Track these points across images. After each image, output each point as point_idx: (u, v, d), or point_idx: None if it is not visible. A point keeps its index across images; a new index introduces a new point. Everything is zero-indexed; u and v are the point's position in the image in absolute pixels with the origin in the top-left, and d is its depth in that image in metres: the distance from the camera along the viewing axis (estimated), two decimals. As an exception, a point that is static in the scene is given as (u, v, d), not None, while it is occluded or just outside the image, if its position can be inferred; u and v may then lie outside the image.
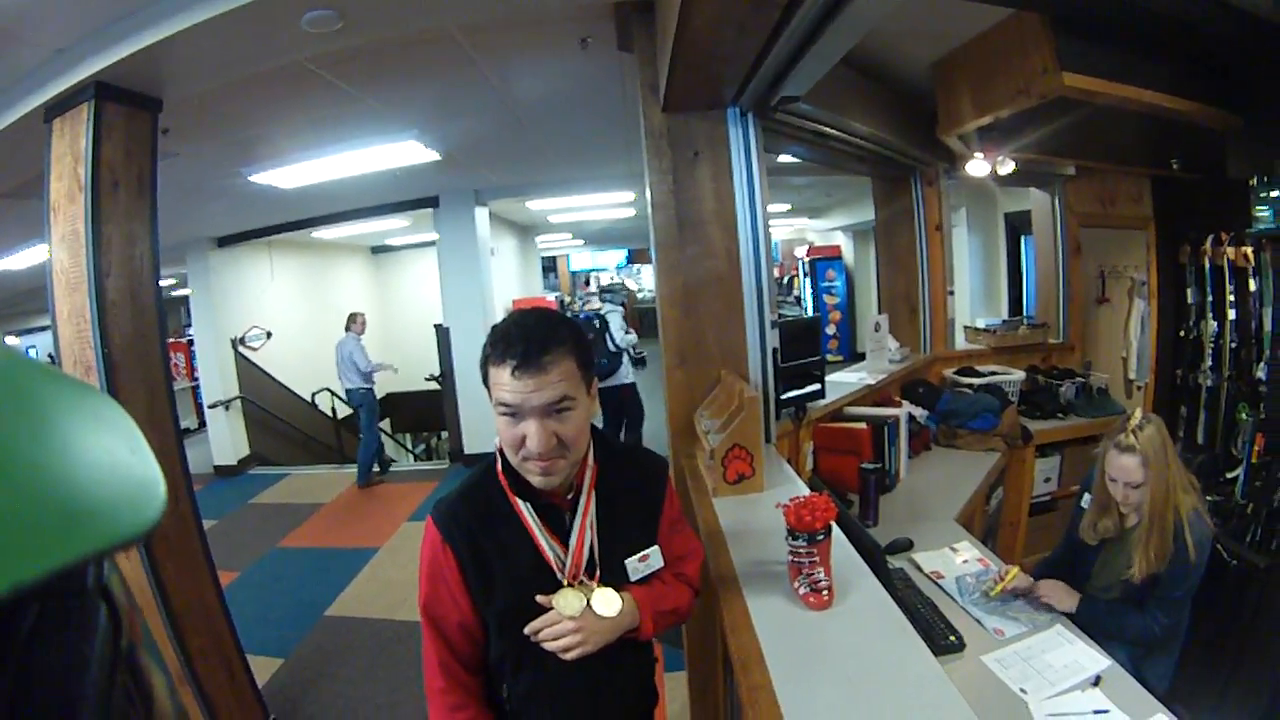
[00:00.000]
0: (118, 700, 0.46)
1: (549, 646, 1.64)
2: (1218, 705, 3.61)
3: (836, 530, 1.91)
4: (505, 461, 1.68)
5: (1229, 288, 5.05)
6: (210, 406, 10.33)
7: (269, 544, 7.46)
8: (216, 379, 10.32)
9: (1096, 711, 2.34)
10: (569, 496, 1.74)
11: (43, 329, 14.82)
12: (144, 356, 3.45)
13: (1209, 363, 5.27)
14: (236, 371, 10.56)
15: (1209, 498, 4.58)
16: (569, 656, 1.64)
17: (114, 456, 0.45)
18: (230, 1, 2.83)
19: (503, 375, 1.52)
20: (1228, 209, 4.81)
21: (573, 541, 1.72)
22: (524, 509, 1.70)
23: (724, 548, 2.25)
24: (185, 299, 11.77)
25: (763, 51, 2.41)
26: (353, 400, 9.67)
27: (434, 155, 6.15)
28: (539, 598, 1.66)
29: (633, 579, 1.78)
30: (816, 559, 1.81)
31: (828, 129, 4.05)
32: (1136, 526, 2.92)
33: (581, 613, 1.66)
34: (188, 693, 3.53)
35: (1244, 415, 4.86)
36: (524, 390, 1.51)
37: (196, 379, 11.38)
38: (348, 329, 9.54)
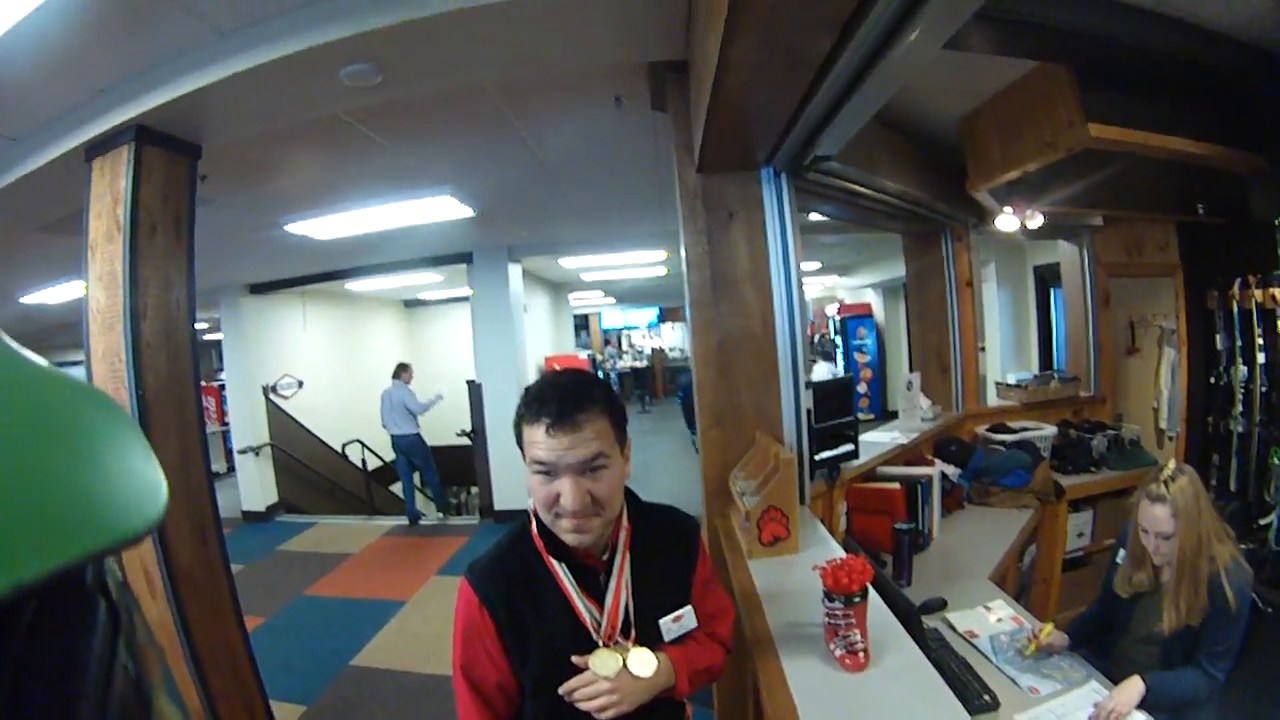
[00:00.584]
0: (116, 698, 0.46)
1: (585, 707, 1.64)
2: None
3: (872, 592, 1.90)
4: (540, 522, 1.69)
5: (1258, 331, 5.01)
6: (240, 452, 10.40)
7: (296, 591, 7.47)
8: (247, 425, 10.40)
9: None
10: (604, 557, 1.74)
11: (75, 363, 14.96)
12: (178, 399, 3.47)
13: (1240, 408, 5.22)
14: (267, 418, 10.64)
15: (1242, 545, 4.52)
16: (605, 717, 1.63)
17: (116, 457, 0.46)
18: (271, 51, 2.89)
19: (537, 434, 1.54)
20: (1254, 251, 4.79)
21: (608, 602, 1.72)
22: (559, 570, 1.70)
23: (759, 610, 2.25)
24: (217, 343, 11.87)
25: (796, 112, 2.44)
26: (402, 446, 10.06)
27: (468, 211, 6.22)
28: (575, 659, 1.66)
29: (667, 639, 1.78)
30: (853, 621, 1.81)
31: (859, 187, 4.07)
32: (1171, 578, 2.89)
33: (618, 673, 1.66)
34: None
35: (1276, 460, 4.81)
36: (558, 448, 1.52)
37: (227, 423, 11.46)
38: (396, 377, 9.92)
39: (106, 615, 0.47)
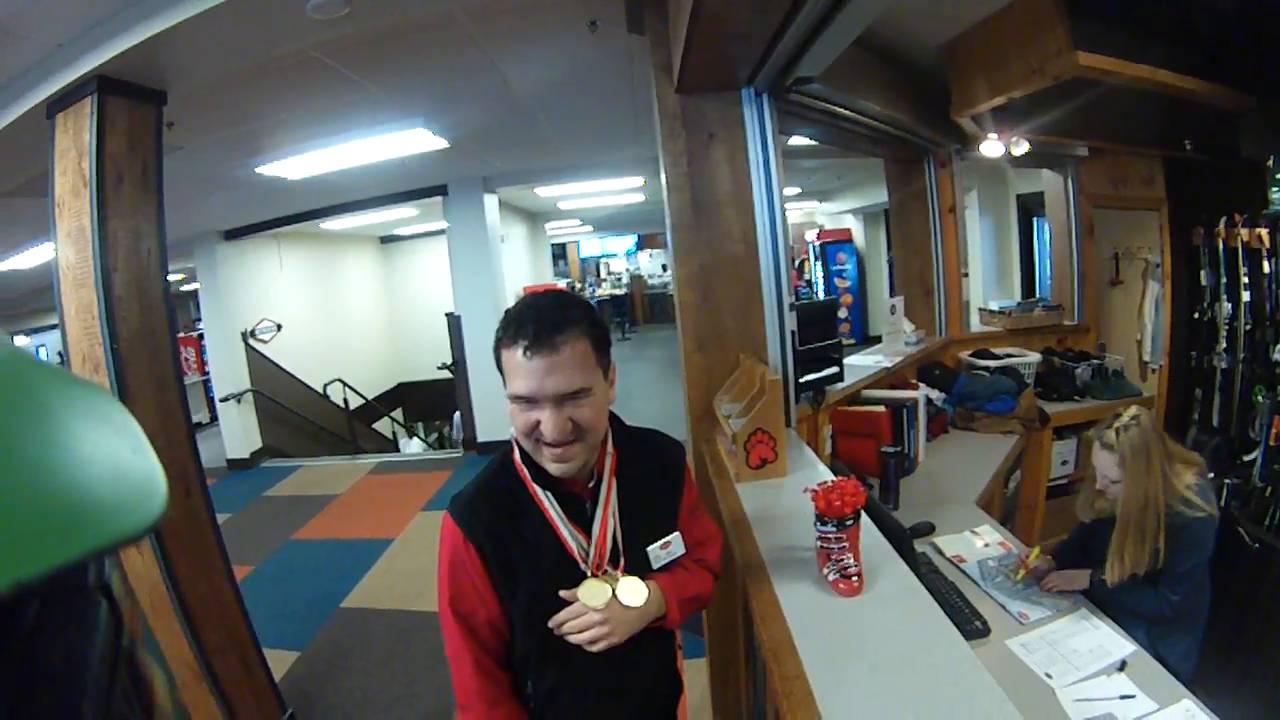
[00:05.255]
0: (119, 697, 0.46)
1: (575, 639, 1.62)
2: (1238, 687, 3.60)
3: (864, 515, 1.88)
4: (523, 451, 1.66)
5: (1243, 269, 5.00)
6: (222, 400, 10.33)
7: (283, 536, 7.47)
8: (227, 372, 10.32)
9: (1123, 696, 2.33)
10: (590, 485, 1.71)
11: (51, 327, 14.89)
12: (153, 352, 3.43)
13: (1223, 345, 5.23)
14: (247, 364, 10.54)
15: (1227, 480, 4.55)
16: (596, 648, 1.62)
17: (116, 455, 0.45)
18: (234, -13, 2.80)
19: (515, 356, 1.49)
20: (1241, 190, 4.78)
21: (595, 530, 1.69)
22: (545, 499, 1.67)
23: (749, 534, 2.23)
24: (194, 293, 11.79)
25: (779, 30, 2.38)
26: None
27: (442, 143, 6.11)
28: (563, 593, 1.64)
29: (655, 566, 1.76)
30: (846, 545, 1.78)
31: (841, 110, 4.02)
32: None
33: (607, 603, 1.64)
34: (204, 688, 3.52)
35: (1260, 398, 4.83)
36: (537, 373, 1.48)
37: (207, 373, 11.42)
38: None
39: (109, 616, 0.47)
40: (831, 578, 1.81)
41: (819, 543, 1.82)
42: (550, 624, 1.63)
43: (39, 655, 0.42)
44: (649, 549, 1.76)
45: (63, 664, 0.43)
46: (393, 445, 13.68)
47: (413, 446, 13.72)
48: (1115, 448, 2.84)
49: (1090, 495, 3.12)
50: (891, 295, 5.66)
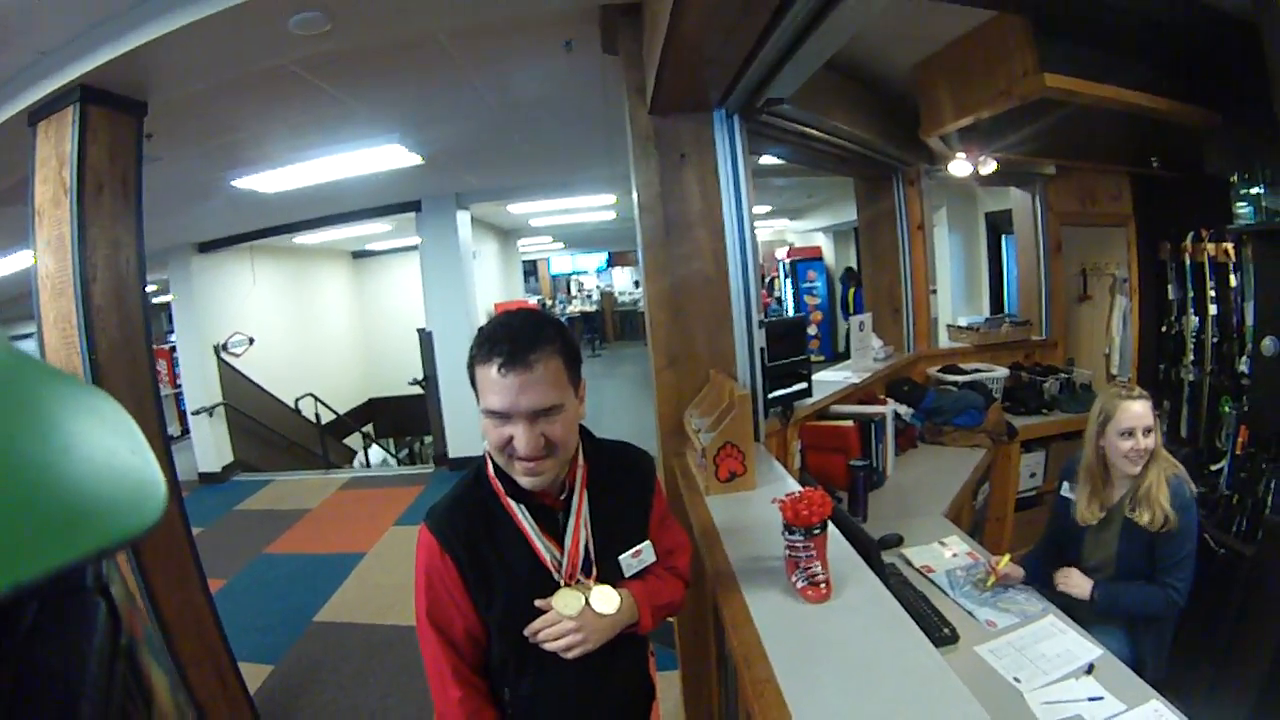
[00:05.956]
0: (117, 697, 0.47)
1: (550, 647, 1.65)
2: (1207, 691, 3.66)
3: (831, 526, 1.92)
4: (496, 464, 1.70)
5: (1210, 283, 5.08)
6: (194, 413, 10.23)
7: (256, 550, 7.40)
8: (199, 386, 10.23)
9: (1090, 698, 2.37)
10: (561, 496, 1.75)
11: (25, 336, 14.68)
12: (130, 362, 3.42)
13: (1191, 357, 5.30)
14: (219, 378, 10.47)
15: (1195, 489, 4.65)
16: (571, 655, 1.65)
17: (115, 456, 0.46)
18: (218, 3, 2.80)
19: (489, 374, 1.53)
20: (1207, 206, 4.85)
21: (568, 541, 1.73)
22: (518, 511, 1.71)
23: (719, 545, 2.26)
24: (167, 306, 11.69)
25: (750, 54, 2.43)
26: None
27: (416, 159, 6.12)
28: (538, 602, 1.67)
29: (627, 575, 1.80)
30: (814, 553, 1.83)
31: (811, 130, 4.07)
32: (1123, 499, 3.00)
33: (581, 611, 1.67)
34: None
35: (1227, 408, 4.90)
36: (511, 391, 1.52)
37: (179, 386, 11.31)
38: None
39: (107, 616, 0.48)
40: (800, 585, 1.85)
41: (787, 551, 1.87)
42: (526, 632, 1.67)
43: (37, 655, 0.43)
44: (621, 558, 1.79)
45: (61, 664, 0.44)
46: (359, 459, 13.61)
47: (375, 455, 13.64)
48: (1146, 396, 2.96)
49: (1087, 498, 3.14)
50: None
